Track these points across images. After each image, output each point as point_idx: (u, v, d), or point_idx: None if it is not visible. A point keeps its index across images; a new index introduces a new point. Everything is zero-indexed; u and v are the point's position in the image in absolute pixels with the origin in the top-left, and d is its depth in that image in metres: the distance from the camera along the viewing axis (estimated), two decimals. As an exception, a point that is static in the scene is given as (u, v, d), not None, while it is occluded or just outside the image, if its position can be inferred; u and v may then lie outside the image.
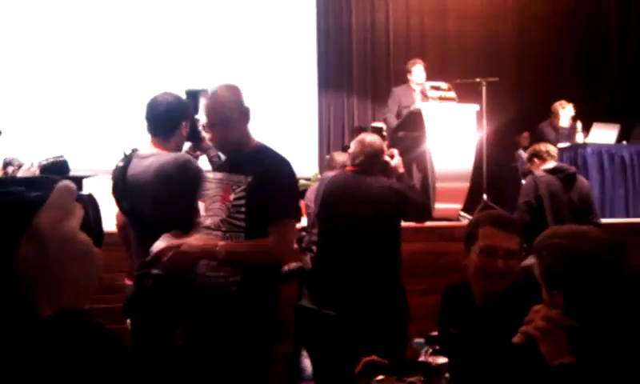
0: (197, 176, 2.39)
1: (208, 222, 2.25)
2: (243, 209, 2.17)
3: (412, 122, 5.86)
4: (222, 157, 2.53)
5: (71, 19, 6.38)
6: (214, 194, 2.26)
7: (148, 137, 2.52)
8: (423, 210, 3.28)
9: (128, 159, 2.45)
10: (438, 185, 5.54)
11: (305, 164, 6.89)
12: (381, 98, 7.23)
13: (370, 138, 3.19)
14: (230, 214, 2.19)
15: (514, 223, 2.03)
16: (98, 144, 6.00)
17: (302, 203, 4.47)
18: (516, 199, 4.31)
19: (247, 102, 2.31)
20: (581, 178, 4.20)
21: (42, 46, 6.27)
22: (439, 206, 5.56)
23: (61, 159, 2.08)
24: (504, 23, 8.29)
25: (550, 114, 6.24)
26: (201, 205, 2.29)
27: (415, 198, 3.18)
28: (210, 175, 2.34)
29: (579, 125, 6.12)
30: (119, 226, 2.76)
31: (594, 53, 8.26)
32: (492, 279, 1.88)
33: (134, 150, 2.49)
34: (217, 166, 2.46)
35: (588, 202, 4.07)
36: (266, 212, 2.19)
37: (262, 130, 6.91)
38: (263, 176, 2.20)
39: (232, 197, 2.19)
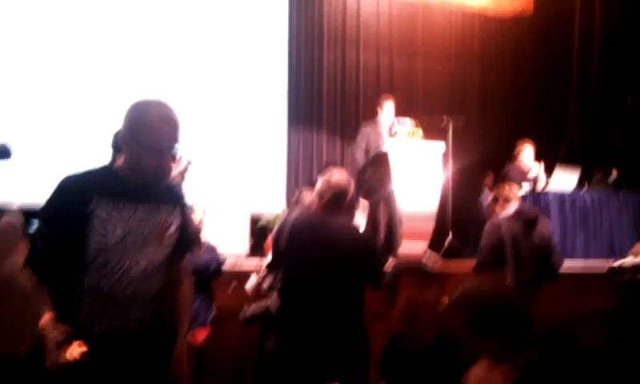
0: None
1: (142, 264, 1.96)
2: (172, 248, 2.07)
3: (379, 162, 5.92)
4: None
5: (16, 55, 6.22)
6: (146, 234, 1.99)
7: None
8: (381, 273, 3.09)
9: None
10: (405, 223, 5.58)
11: (272, 199, 6.87)
12: (350, 135, 7.29)
13: (337, 175, 3.14)
14: (166, 254, 2.06)
15: (431, 273, 2.11)
16: (57, 175, 5.84)
17: (269, 241, 4.43)
18: (480, 240, 4.35)
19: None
20: (543, 221, 4.26)
21: None
22: (405, 244, 5.59)
23: (6, 144, 1.99)
24: (470, 65, 8.50)
25: (514, 156, 6.37)
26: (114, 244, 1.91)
27: (380, 259, 3.21)
28: (112, 210, 1.92)
29: (542, 166, 6.25)
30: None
31: (557, 98, 8.51)
32: (419, 329, 1.99)
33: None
34: (108, 194, 1.94)
35: (549, 246, 4.13)
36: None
37: (230, 163, 6.87)
38: (182, 211, 2.13)
39: (167, 237, 2.04)
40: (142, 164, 1.93)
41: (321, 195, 3.11)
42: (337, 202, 3.08)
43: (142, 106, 1.96)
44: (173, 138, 1.96)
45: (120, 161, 2.02)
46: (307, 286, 2.93)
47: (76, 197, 1.91)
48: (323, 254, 2.92)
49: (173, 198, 2.10)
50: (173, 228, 2.06)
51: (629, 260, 3.77)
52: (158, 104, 1.97)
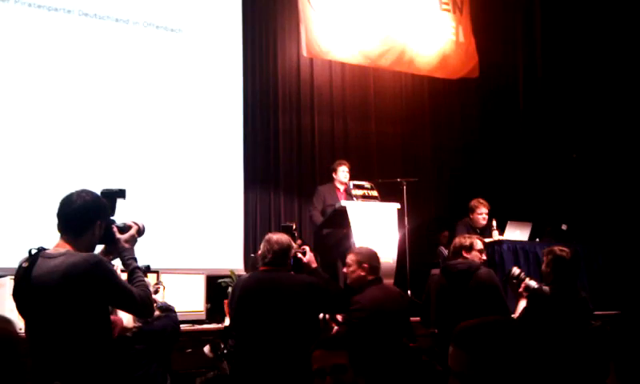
0: (110, 278, 2.27)
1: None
2: None
3: (337, 220, 5.96)
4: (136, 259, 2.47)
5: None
6: None
7: (57, 235, 2.40)
8: (342, 300, 3.31)
9: (33, 259, 2.29)
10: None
11: (229, 261, 6.77)
12: (307, 195, 7.34)
13: (277, 236, 3.32)
14: None
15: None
16: (4, 240, 5.64)
17: (226, 303, 4.36)
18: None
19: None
20: (479, 274, 3.96)
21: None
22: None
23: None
24: (421, 126, 8.77)
25: (468, 212, 6.52)
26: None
27: (332, 290, 3.28)
28: None
29: (494, 223, 6.41)
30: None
31: (505, 156, 8.80)
32: None
33: (40, 249, 2.33)
34: None
35: (489, 295, 3.89)
36: None
37: (187, 224, 6.76)
38: None
39: None
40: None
41: (263, 256, 3.27)
42: (279, 259, 3.23)
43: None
44: None
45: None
46: (260, 342, 2.93)
47: None
48: (274, 308, 2.96)
49: None
50: None
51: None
52: None
